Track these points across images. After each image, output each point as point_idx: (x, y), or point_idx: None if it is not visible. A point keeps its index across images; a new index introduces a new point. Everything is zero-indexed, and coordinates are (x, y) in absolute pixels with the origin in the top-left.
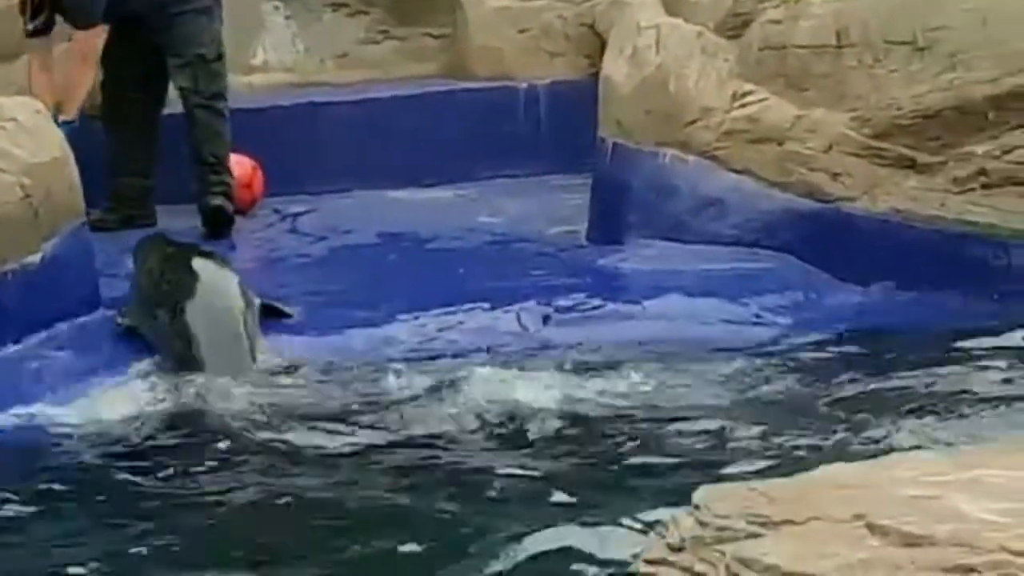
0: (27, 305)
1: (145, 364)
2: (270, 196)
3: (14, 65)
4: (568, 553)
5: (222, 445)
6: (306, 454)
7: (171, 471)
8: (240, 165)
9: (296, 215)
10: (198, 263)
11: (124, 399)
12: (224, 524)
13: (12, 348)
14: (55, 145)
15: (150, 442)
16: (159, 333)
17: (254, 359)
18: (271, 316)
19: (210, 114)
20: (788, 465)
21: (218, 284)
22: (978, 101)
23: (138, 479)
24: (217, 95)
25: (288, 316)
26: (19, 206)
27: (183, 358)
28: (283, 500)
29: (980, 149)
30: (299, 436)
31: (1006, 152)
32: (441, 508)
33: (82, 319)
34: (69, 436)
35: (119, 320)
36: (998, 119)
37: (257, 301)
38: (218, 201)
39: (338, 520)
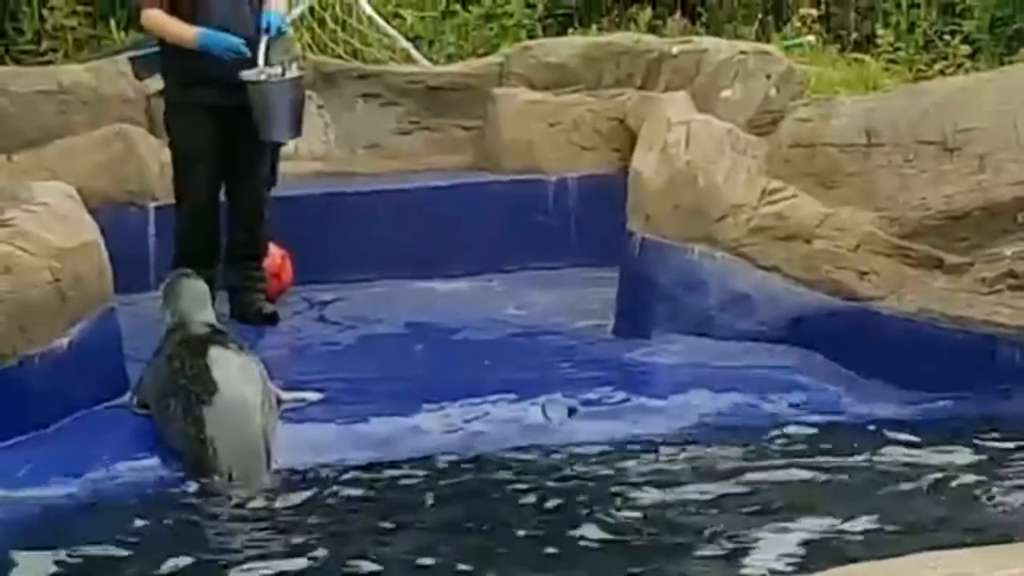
0: (53, 389)
1: (158, 456)
2: (299, 284)
3: (46, 150)
4: None
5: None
6: (313, 566)
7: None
8: (270, 254)
9: (325, 303)
10: (219, 354)
11: (135, 493)
12: None
13: (36, 432)
14: (86, 230)
15: (152, 541)
16: (170, 423)
17: (269, 464)
18: (294, 404)
19: (267, 211)
20: (813, 561)
21: (237, 382)
22: (1007, 203)
23: None
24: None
25: (311, 403)
26: (48, 290)
27: (194, 457)
28: None
29: (1009, 251)
30: (306, 548)
31: None
32: None
33: (107, 404)
34: (75, 523)
35: (133, 402)
36: None
37: (279, 393)
38: (271, 308)
39: None
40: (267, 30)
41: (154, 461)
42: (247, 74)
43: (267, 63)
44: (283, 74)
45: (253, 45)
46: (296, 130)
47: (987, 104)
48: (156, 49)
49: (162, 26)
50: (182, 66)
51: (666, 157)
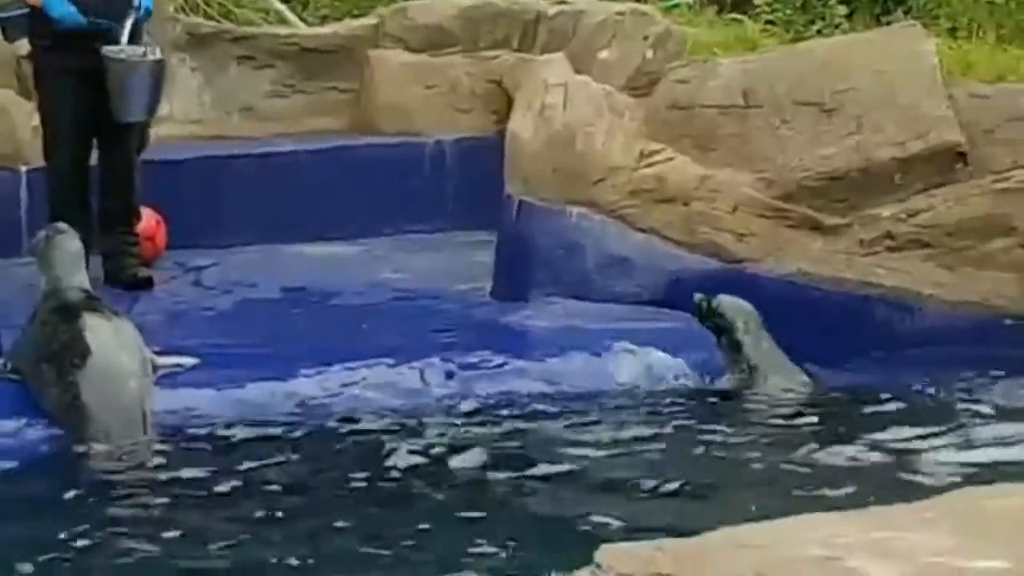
0: None
1: (33, 421)
2: (173, 249)
3: None
4: None
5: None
6: (192, 527)
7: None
8: (144, 218)
9: (200, 268)
10: (92, 319)
11: (7, 457)
12: None
13: None
14: None
15: (22, 506)
16: (44, 387)
17: (145, 429)
18: (170, 369)
19: (138, 176)
20: (691, 523)
21: (111, 348)
22: (885, 163)
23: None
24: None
25: (186, 368)
26: None
27: (69, 422)
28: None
29: (886, 212)
30: (185, 511)
31: (912, 215)
32: (337, 568)
33: None
34: None
35: (6, 367)
36: (904, 182)
37: (154, 358)
38: (146, 273)
39: None
40: (137, 8)
41: (27, 425)
42: (108, 50)
43: (131, 42)
44: (144, 55)
45: (122, 20)
46: (149, 112)
47: (864, 65)
48: (25, 11)
49: None
50: (47, 30)
51: (543, 119)
